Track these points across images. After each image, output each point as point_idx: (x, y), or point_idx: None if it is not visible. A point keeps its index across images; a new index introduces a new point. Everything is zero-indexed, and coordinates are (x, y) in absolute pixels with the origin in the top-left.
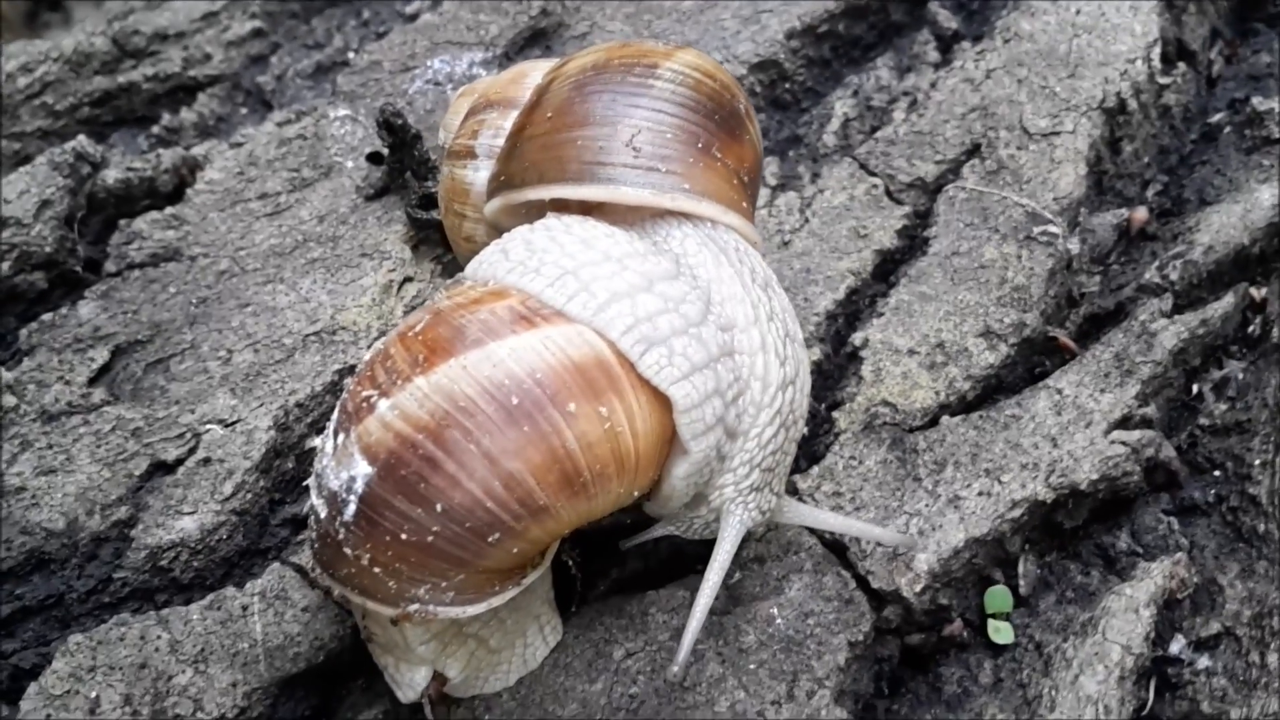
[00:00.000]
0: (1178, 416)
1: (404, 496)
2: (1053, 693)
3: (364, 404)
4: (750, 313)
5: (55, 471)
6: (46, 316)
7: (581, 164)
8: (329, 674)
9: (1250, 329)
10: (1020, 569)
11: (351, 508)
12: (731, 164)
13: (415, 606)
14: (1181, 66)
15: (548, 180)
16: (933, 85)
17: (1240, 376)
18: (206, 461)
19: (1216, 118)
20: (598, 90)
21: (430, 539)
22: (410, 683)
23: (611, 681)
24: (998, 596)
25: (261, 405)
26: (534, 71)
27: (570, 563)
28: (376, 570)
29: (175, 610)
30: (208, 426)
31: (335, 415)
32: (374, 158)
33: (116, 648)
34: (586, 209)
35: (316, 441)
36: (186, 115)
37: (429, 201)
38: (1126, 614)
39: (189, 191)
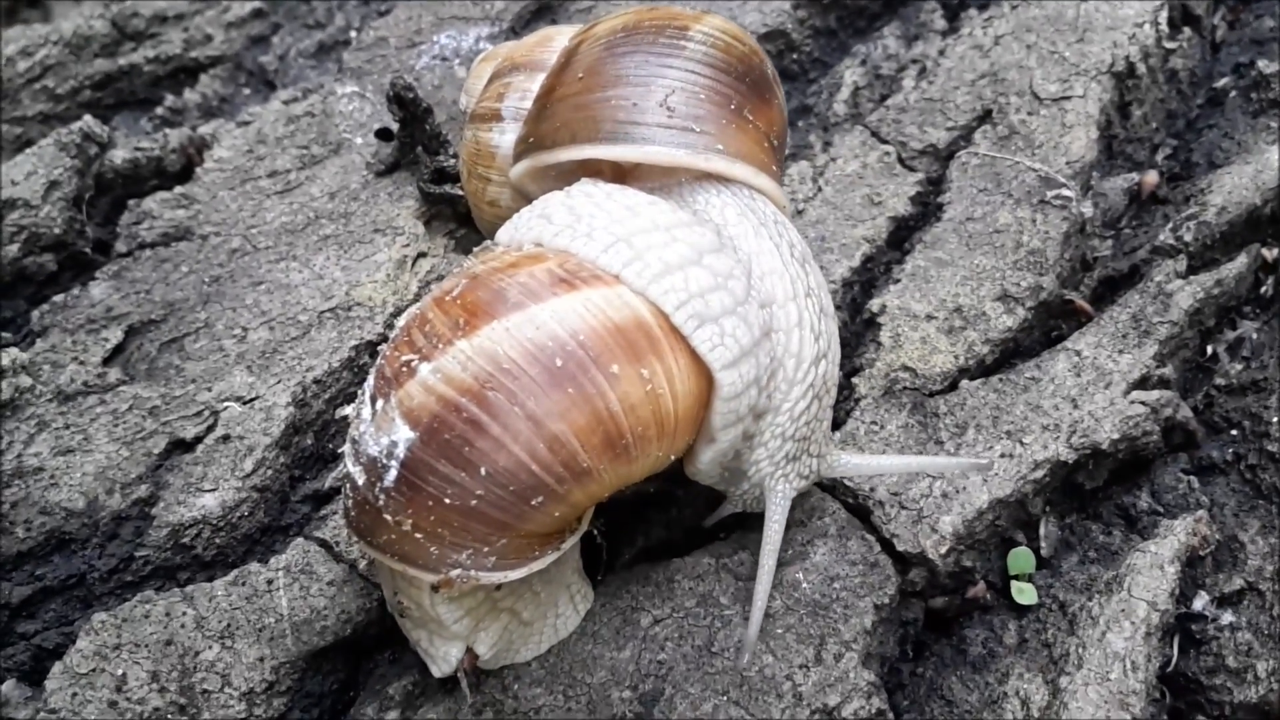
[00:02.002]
0: (1193, 377)
1: (447, 460)
2: (1079, 650)
3: (404, 368)
4: (789, 288)
5: (73, 451)
6: (58, 298)
7: (616, 123)
8: (356, 647)
9: (1263, 289)
10: (1041, 530)
11: (392, 473)
12: (762, 127)
13: (457, 572)
14: (1187, 31)
15: (580, 140)
16: (941, 53)
17: (1254, 336)
18: (226, 439)
19: (1222, 82)
20: (629, 51)
21: (474, 503)
22: (445, 657)
23: (639, 648)
24: (1020, 558)
25: (279, 382)
26: (559, 36)
27: (595, 532)
28: (418, 536)
29: (200, 587)
30: (226, 404)
31: (371, 381)
32: (383, 134)
33: (141, 625)
34: (618, 172)
35: (348, 410)
36: (190, 96)
37: (442, 176)
38: (1151, 571)
39: (198, 170)
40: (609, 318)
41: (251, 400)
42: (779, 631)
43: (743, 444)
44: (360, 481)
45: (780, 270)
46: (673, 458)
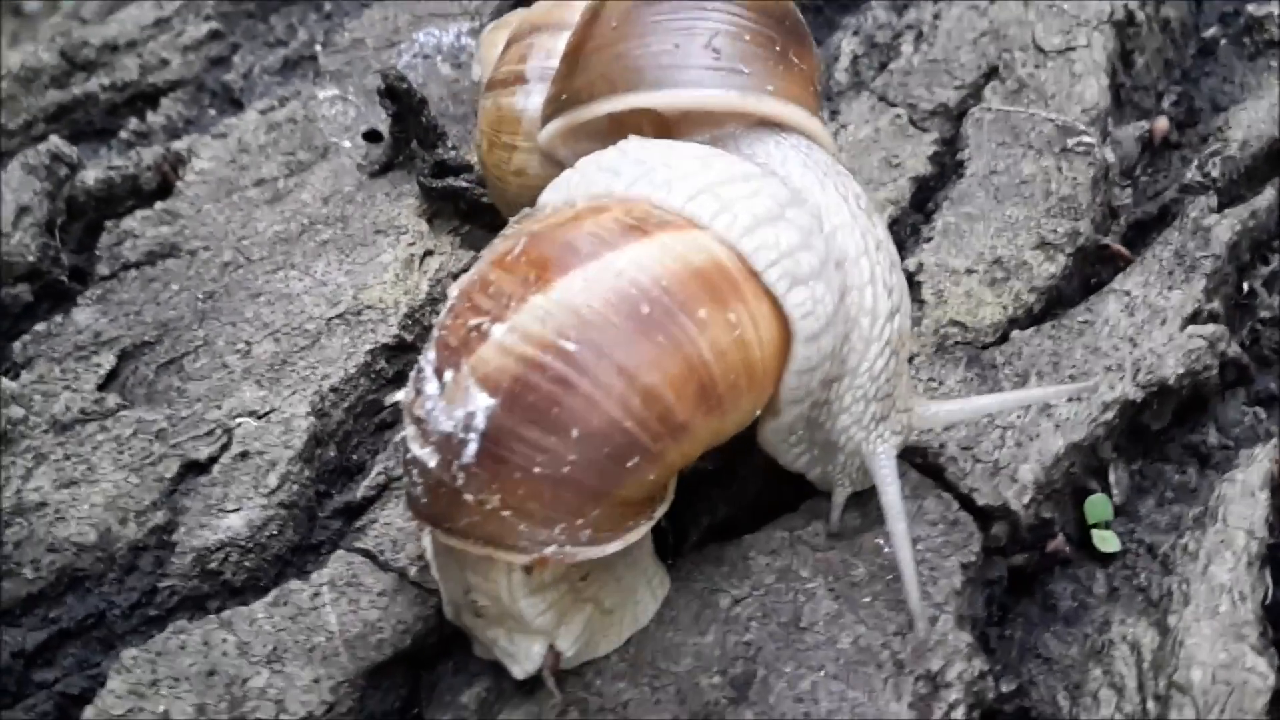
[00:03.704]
0: (1235, 315)
1: (535, 425)
2: (1183, 587)
3: (473, 333)
4: (860, 242)
5: (77, 483)
6: (40, 327)
7: (660, 68)
8: (416, 659)
9: None
10: (1112, 477)
11: (472, 447)
12: (806, 70)
13: (551, 549)
14: None
15: (621, 89)
16: (936, 16)
17: None
18: (244, 455)
19: (1210, 32)
20: (665, 2)
21: (566, 470)
22: (527, 655)
23: (723, 631)
24: (1098, 505)
25: (294, 393)
26: (573, 4)
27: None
28: (506, 514)
29: (237, 611)
30: (239, 420)
31: (431, 356)
32: (371, 135)
33: (178, 657)
34: (661, 126)
35: (399, 396)
36: (154, 119)
37: (443, 169)
38: (1244, 499)
39: (179, 185)
40: (689, 262)
41: (267, 414)
42: (866, 600)
43: (819, 414)
44: (433, 463)
45: (850, 224)
46: (756, 413)
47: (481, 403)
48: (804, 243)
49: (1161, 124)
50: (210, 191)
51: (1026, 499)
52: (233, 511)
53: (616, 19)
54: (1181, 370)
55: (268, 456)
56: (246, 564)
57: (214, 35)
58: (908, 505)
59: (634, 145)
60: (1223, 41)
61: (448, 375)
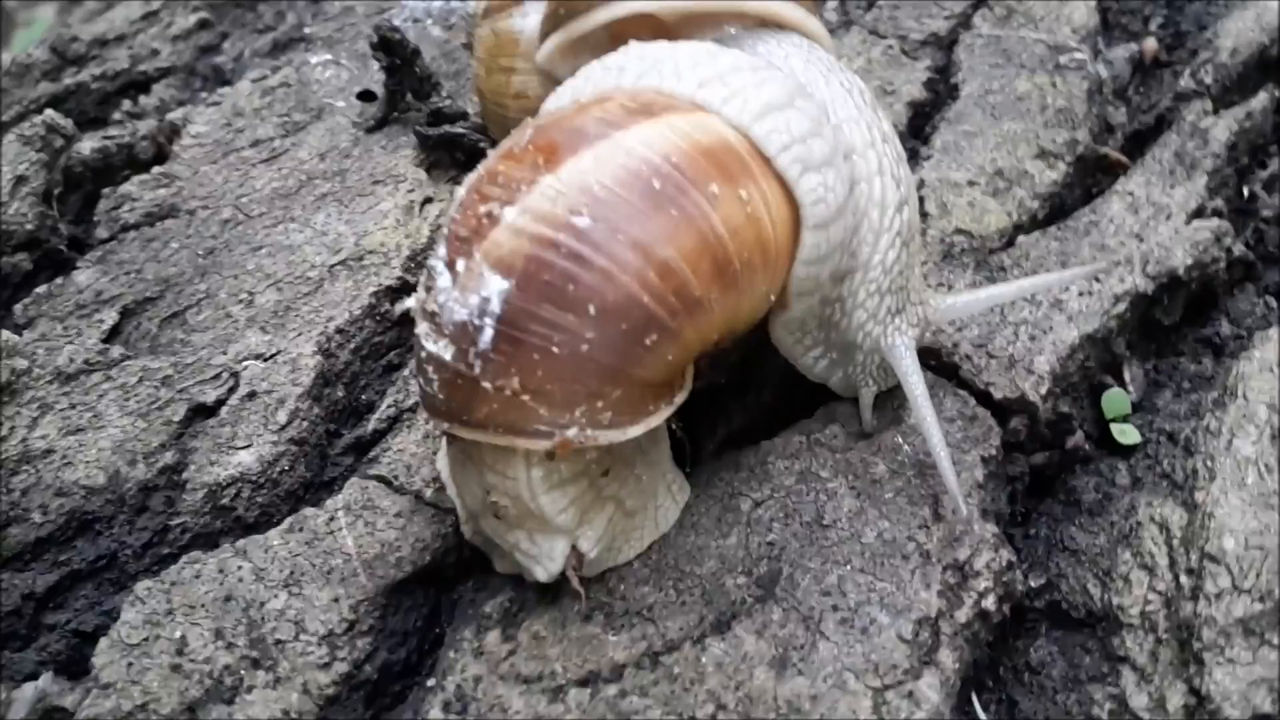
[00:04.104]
0: (1236, 219)
1: (551, 304)
2: (1208, 463)
3: (484, 220)
4: (866, 134)
5: (84, 430)
6: (40, 289)
7: None
8: (436, 577)
9: None
10: (1127, 375)
11: (488, 332)
12: None
13: (573, 431)
14: None
15: None
16: None
17: None
18: (252, 395)
19: None
20: None
21: (584, 349)
22: (550, 554)
23: (746, 533)
24: (1115, 399)
25: (300, 334)
26: None
27: (675, 427)
28: (525, 398)
29: (252, 539)
30: (245, 363)
31: (441, 251)
32: (366, 95)
33: (193, 586)
34: (660, 34)
35: (409, 302)
36: (146, 101)
37: (439, 117)
38: (1263, 375)
39: (176, 149)
40: (697, 140)
41: (273, 356)
42: (889, 496)
43: (833, 313)
44: (449, 355)
45: (856, 116)
46: (771, 297)
47: (496, 286)
48: (814, 130)
49: (1151, 44)
50: (207, 154)
51: (1044, 390)
52: (243, 448)
53: None
54: (1190, 261)
55: (276, 395)
56: (259, 499)
57: (203, 24)
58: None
59: (637, 46)
60: None
61: (460, 265)
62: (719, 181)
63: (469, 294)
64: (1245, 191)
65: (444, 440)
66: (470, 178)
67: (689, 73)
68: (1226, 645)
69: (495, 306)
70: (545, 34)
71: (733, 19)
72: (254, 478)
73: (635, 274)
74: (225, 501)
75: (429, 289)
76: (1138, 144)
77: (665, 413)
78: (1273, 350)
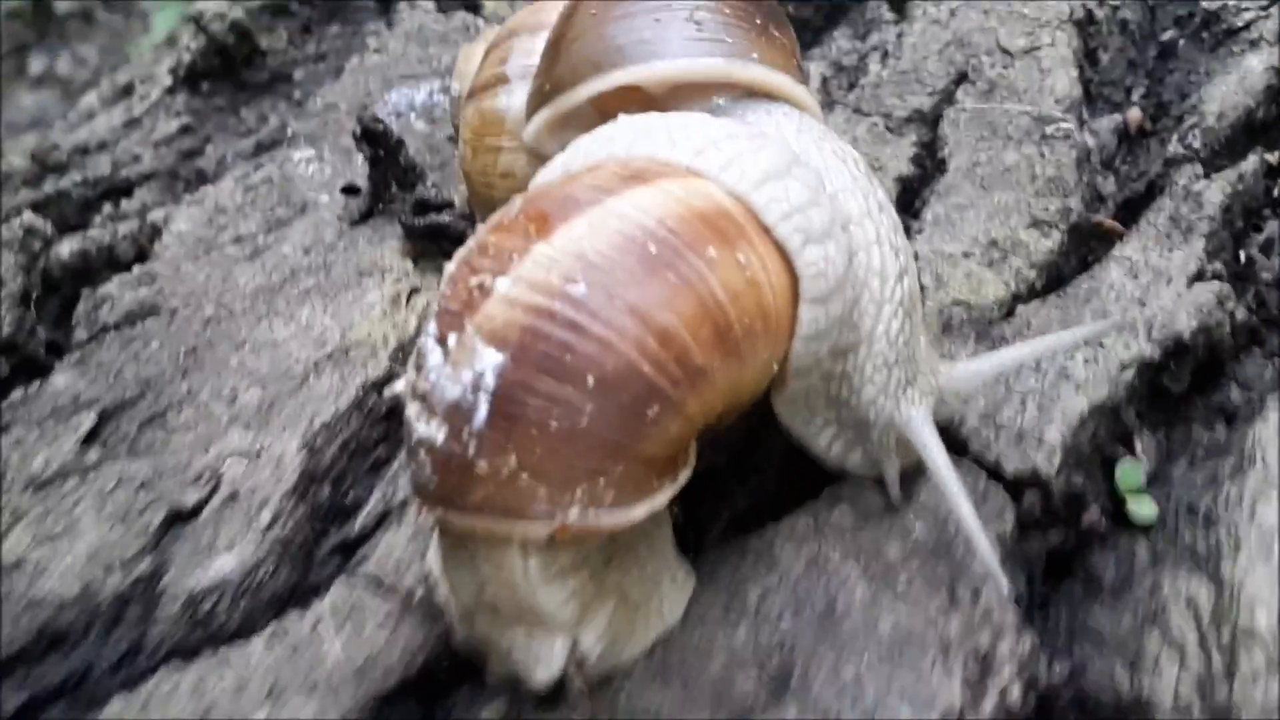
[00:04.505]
0: (1235, 283)
1: (548, 375)
2: (1232, 534)
3: (476, 291)
4: (863, 204)
5: (58, 538)
6: (15, 394)
7: (642, 44)
8: (427, 686)
9: (1275, 192)
10: (1139, 445)
11: (483, 409)
12: (788, 45)
13: (574, 512)
14: None
15: (606, 68)
16: (899, 35)
17: None
18: (234, 497)
19: (1167, 35)
20: None
21: (584, 422)
22: (551, 654)
23: (755, 625)
24: (1129, 472)
25: (284, 431)
26: (552, 5)
27: (675, 511)
28: (523, 478)
29: (233, 648)
30: (227, 463)
31: (433, 326)
32: (349, 189)
33: (169, 701)
34: (648, 106)
35: (399, 386)
36: (128, 205)
37: (425, 206)
38: None
39: (156, 248)
40: (691, 205)
41: (256, 454)
42: (903, 581)
43: (840, 390)
44: (440, 438)
45: (851, 186)
46: (774, 366)
47: (490, 360)
48: (813, 199)
49: (1135, 113)
50: (188, 251)
51: (1056, 462)
52: (225, 551)
53: (596, 8)
54: (1195, 325)
55: (259, 495)
56: (241, 606)
57: (185, 130)
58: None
59: (627, 117)
60: (1181, 42)
61: (451, 340)
62: (716, 245)
63: (462, 369)
64: (1242, 256)
65: (435, 534)
66: (459, 253)
67: (684, 140)
68: None
69: (490, 381)
70: (531, 111)
71: (721, 89)
72: (236, 583)
73: (634, 341)
74: (205, 610)
75: (419, 368)
76: (1130, 211)
77: (670, 492)
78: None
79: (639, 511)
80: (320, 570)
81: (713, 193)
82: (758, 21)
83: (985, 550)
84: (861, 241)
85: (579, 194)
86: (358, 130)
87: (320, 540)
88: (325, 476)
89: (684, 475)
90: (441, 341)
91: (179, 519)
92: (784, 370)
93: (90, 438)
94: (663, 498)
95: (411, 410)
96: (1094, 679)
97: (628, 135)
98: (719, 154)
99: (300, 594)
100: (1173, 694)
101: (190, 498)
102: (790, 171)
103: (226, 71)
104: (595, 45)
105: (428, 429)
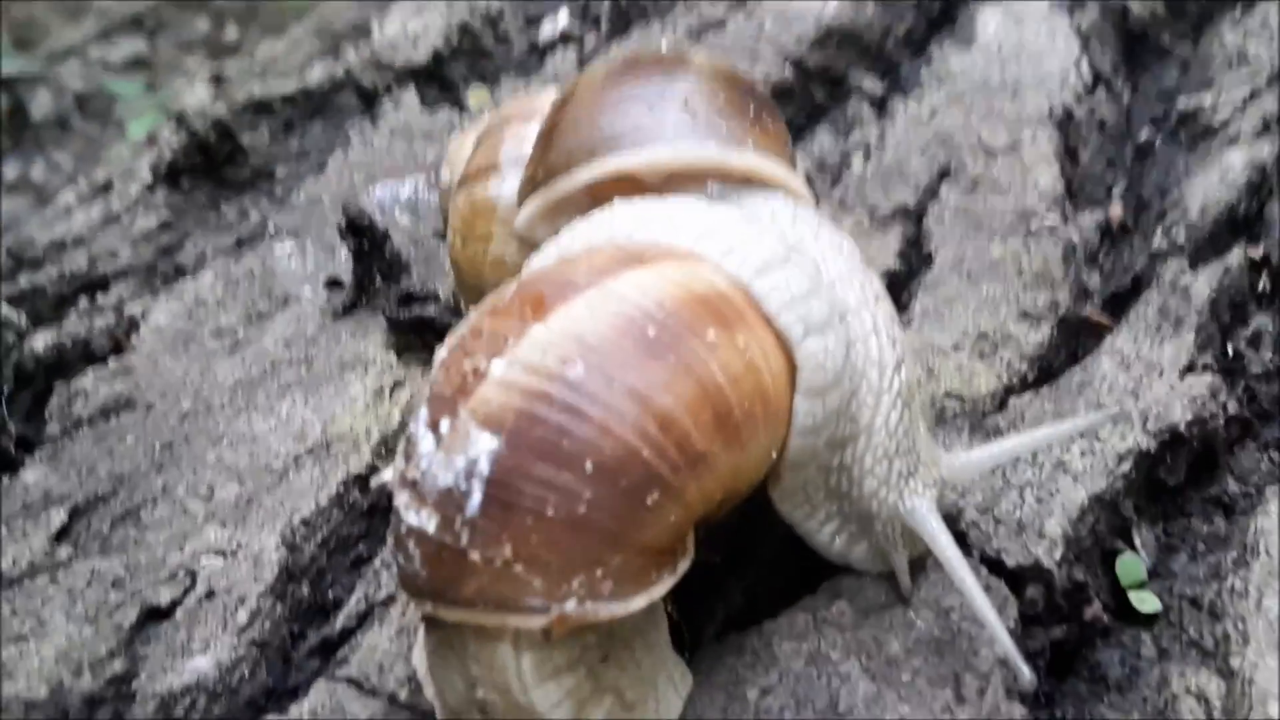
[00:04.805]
0: (1225, 377)
1: (545, 461)
2: (1239, 626)
3: (470, 375)
4: (860, 294)
5: (26, 638)
6: None
7: (637, 130)
8: None
9: (1260, 287)
10: (1138, 540)
11: (477, 497)
12: (781, 136)
13: (571, 604)
14: (1101, 91)
15: (600, 154)
16: (881, 134)
17: (1270, 327)
18: (210, 595)
19: (1144, 135)
20: (635, 76)
21: (582, 510)
22: None
23: None
24: (1130, 565)
25: (263, 527)
26: (544, 94)
27: (670, 610)
28: (519, 568)
29: None
30: (203, 561)
31: (424, 412)
32: (333, 283)
33: None
34: (641, 194)
35: (386, 475)
36: (104, 300)
37: (409, 299)
38: None
39: (133, 341)
40: (691, 289)
41: (233, 552)
42: (906, 678)
43: (841, 482)
44: (432, 526)
45: (847, 275)
46: (774, 454)
47: (484, 445)
48: (813, 289)
49: (1116, 210)
50: (166, 345)
51: (1058, 555)
52: (200, 653)
53: (589, 95)
54: (1190, 416)
55: (236, 593)
56: (216, 709)
57: (164, 226)
58: (937, 575)
59: (624, 202)
60: (1158, 141)
61: (444, 425)
62: (716, 328)
63: (455, 456)
64: (1230, 350)
65: (420, 633)
66: (451, 338)
67: (685, 225)
68: None
69: (484, 467)
70: (524, 198)
71: (715, 176)
72: (211, 685)
73: (633, 426)
74: (179, 713)
75: (409, 456)
76: (1117, 305)
77: (669, 583)
78: None
79: (638, 602)
80: (299, 672)
81: (711, 277)
82: (751, 110)
83: (1003, 638)
84: (859, 332)
85: (576, 277)
86: (343, 222)
87: (299, 641)
88: (304, 574)
89: (683, 566)
90: (433, 427)
91: (152, 618)
92: (779, 464)
93: (61, 535)
94: (661, 589)
95: (401, 499)
96: None
97: (626, 220)
98: (720, 240)
99: (278, 696)
100: None
101: (164, 596)
102: (790, 260)
103: (208, 169)
104: (589, 132)
105: (418, 518)
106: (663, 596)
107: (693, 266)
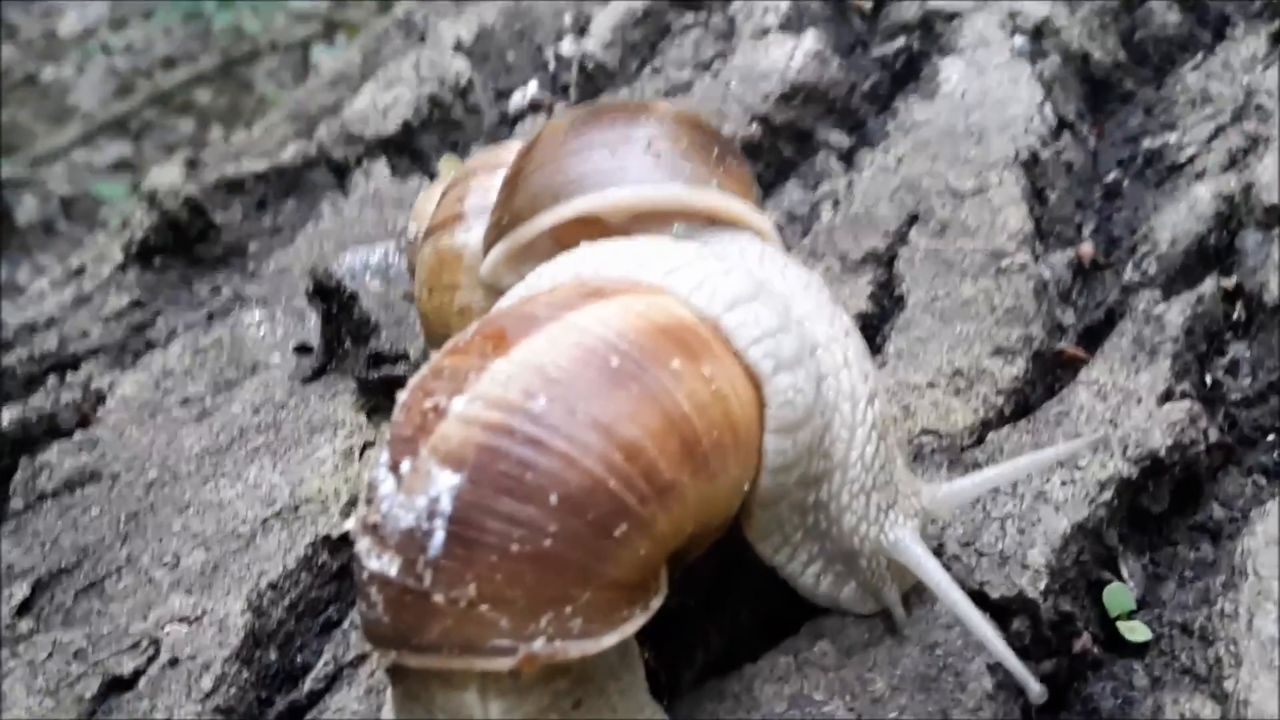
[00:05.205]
0: (1205, 407)
1: (508, 495)
2: (1231, 649)
3: (430, 413)
4: (829, 329)
5: None
6: None
7: (601, 173)
8: None
9: (1235, 316)
10: (1124, 570)
11: (439, 536)
12: (745, 179)
13: (539, 643)
14: (1066, 136)
15: (564, 198)
16: (849, 185)
17: (1248, 355)
18: (174, 663)
19: (1111, 176)
20: (599, 123)
21: (548, 543)
22: None
23: None
24: (1117, 595)
25: (229, 593)
26: (510, 146)
27: (647, 656)
28: (484, 608)
29: None
30: (167, 629)
31: (384, 457)
32: (302, 349)
33: None
34: (605, 235)
35: (349, 524)
36: (74, 378)
37: (379, 359)
38: (1270, 549)
39: (100, 412)
40: (653, 320)
41: (198, 618)
42: (892, 717)
43: (819, 520)
44: (394, 570)
45: (815, 311)
46: (745, 486)
47: (446, 483)
48: (782, 325)
49: (1087, 248)
50: (133, 416)
51: (1042, 585)
52: None
53: (553, 142)
54: (1170, 442)
55: (200, 659)
56: None
57: (135, 304)
58: (920, 611)
59: (590, 244)
60: (1125, 182)
61: (404, 465)
62: (681, 358)
63: (416, 496)
64: (1209, 380)
65: (389, 690)
66: (413, 380)
67: (652, 262)
68: None
69: (445, 505)
70: (489, 245)
71: (680, 216)
72: None
73: (599, 456)
74: None
75: (370, 501)
76: (1091, 340)
77: (641, 619)
78: (1274, 523)
79: (609, 639)
80: None
81: (676, 309)
82: (715, 153)
83: (1006, 654)
84: (830, 366)
85: (537, 311)
86: (310, 286)
87: (267, 707)
88: (272, 639)
89: (655, 602)
90: (394, 469)
91: (115, 689)
92: (750, 501)
93: (24, 608)
94: (633, 625)
95: (362, 546)
96: None
97: (592, 258)
98: (688, 276)
99: None
100: None
101: (127, 666)
102: (759, 296)
103: (180, 247)
104: (553, 177)
105: (379, 563)
106: (638, 639)
107: (657, 299)
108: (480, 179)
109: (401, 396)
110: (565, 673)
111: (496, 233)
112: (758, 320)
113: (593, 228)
